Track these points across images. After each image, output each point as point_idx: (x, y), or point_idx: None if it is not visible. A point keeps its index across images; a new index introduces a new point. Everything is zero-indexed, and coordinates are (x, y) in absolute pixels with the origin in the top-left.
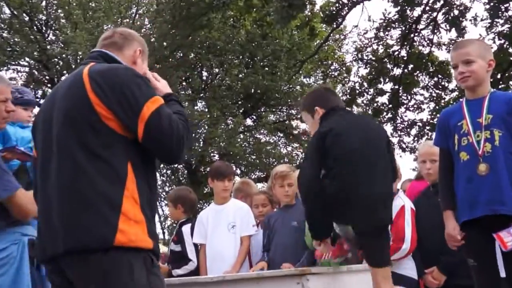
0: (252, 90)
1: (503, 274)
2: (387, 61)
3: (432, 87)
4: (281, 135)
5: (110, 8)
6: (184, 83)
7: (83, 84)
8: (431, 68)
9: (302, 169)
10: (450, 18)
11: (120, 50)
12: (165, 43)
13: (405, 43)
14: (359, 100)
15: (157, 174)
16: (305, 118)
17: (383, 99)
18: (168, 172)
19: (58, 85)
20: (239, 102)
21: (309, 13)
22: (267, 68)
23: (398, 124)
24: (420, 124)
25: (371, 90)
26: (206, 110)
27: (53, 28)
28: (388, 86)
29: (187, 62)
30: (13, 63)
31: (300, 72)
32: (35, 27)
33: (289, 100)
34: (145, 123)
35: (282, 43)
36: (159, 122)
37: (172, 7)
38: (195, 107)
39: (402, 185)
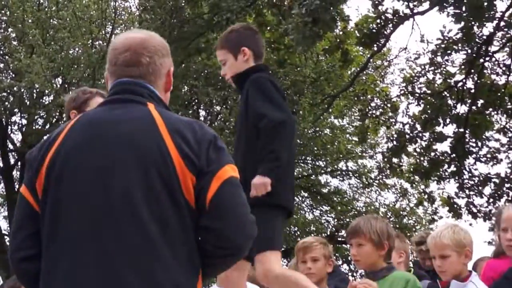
0: None
1: None
2: (448, 95)
3: (511, 129)
4: (306, 194)
5: (78, 27)
6: None
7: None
8: (508, 104)
9: (266, 113)
10: None
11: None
12: None
13: (472, 70)
14: (410, 148)
15: None
16: (223, 56)
17: (443, 146)
18: None
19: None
20: None
21: (341, 32)
22: None
23: (466, 181)
24: (496, 180)
25: (427, 134)
26: None
27: (1, 52)
28: (449, 129)
29: (179, 98)
30: None
31: (330, 110)
32: None
33: (315, 148)
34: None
35: (305, 72)
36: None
37: (159, 25)
38: None
39: (475, 265)
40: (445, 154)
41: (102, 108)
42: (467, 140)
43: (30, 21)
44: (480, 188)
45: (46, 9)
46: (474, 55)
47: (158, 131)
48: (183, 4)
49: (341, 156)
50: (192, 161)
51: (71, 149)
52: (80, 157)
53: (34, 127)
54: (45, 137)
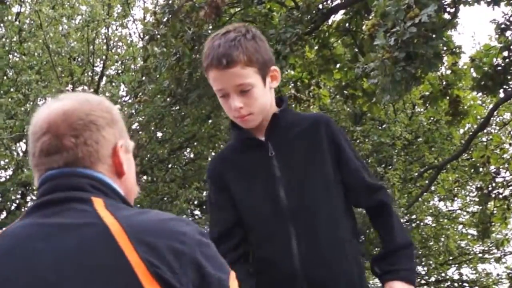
0: None
1: None
2: None
3: None
4: None
5: (52, 65)
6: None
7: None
8: None
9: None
10: None
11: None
12: (159, 134)
13: None
14: None
15: None
16: (249, 78)
17: None
18: None
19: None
20: None
21: (449, 71)
22: None
23: None
24: None
25: None
26: None
27: None
28: None
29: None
30: None
31: (433, 189)
32: None
33: None
34: None
35: (395, 131)
36: None
37: (174, 63)
38: None
39: None
40: None
41: (28, 221)
42: None
43: None
44: None
45: (4, 39)
46: None
47: (115, 243)
48: (210, 31)
49: (451, 258)
50: (169, 284)
51: None
52: None
53: None
54: None
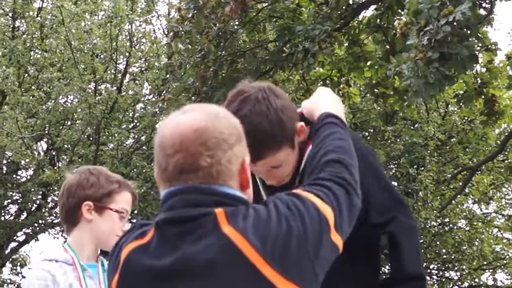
0: None
1: None
2: None
3: None
4: None
5: (74, 62)
6: None
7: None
8: None
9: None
10: None
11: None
12: None
13: None
14: None
15: None
16: (283, 156)
17: None
18: None
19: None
20: None
21: (484, 70)
22: None
23: None
24: None
25: None
26: None
27: None
28: None
29: None
30: None
31: (467, 191)
32: None
33: (443, 251)
34: None
35: (428, 132)
36: None
37: (199, 60)
38: None
39: None
40: None
41: (157, 243)
42: None
43: (0, 53)
44: None
45: (25, 35)
46: None
47: (245, 259)
48: (236, 27)
49: (485, 263)
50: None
51: None
52: None
53: (3, 217)
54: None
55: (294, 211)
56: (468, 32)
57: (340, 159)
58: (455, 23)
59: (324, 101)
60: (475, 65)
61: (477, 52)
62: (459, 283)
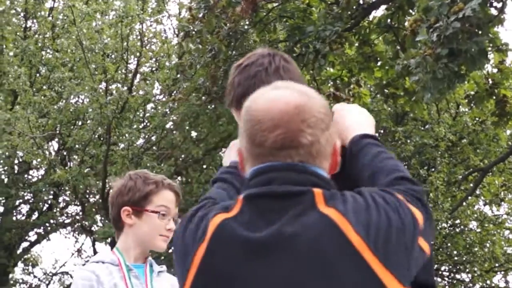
0: None
1: None
2: None
3: None
4: None
5: (85, 62)
6: None
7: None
8: None
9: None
10: None
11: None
12: (194, 134)
13: None
14: None
15: None
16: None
17: None
18: None
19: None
20: None
21: (495, 70)
22: None
23: None
24: None
25: None
26: None
27: None
28: None
29: None
30: None
31: (478, 192)
32: None
33: (454, 253)
34: None
35: (438, 132)
36: None
37: (210, 60)
38: None
39: None
40: None
41: (251, 216)
42: None
43: (11, 53)
44: None
45: (37, 35)
46: None
47: (348, 242)
48: (246, 27)
49: (496, 265)
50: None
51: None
52: None
53: (14, 217)
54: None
55: (391, 204)
56: (479, 32)
57: (405, 176)
58: (464, 20)
59: (357, 120)
60: (486, 63)
61: (488, 49)
62: (471, 285)
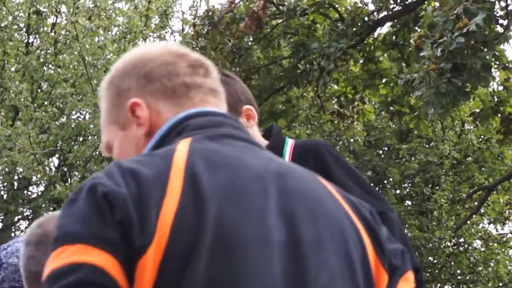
0: None
1: None
2: None
3: None
4: None
5: (87, 78)
6: None
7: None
8: None
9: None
10: None
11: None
12: None
13: None
14: None
15: None
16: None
17: None
18: None
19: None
20: None
21: (500, 87)
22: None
23: None
24: None
25: None
26: None
27: None
28: None
29: None
30: None
31: (483, 211)
32: None
33: (458, 272)
34: None
35: (443, 150)
36: None
37: None
38: None
39: None
40: None
41: (216, 144)
42: None
43: (13, 69)
44: None
45: (39, 50)
46: None
47: (331, 195)
48: (250, 44)
49: (500, 285)
50: (383, 254)
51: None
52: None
53: (13, 233)
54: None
55: None
56: (485, 50)
57: None
58: (469, 35)
59: None
60: (490, 79)
61: (494, 67)
62: None
